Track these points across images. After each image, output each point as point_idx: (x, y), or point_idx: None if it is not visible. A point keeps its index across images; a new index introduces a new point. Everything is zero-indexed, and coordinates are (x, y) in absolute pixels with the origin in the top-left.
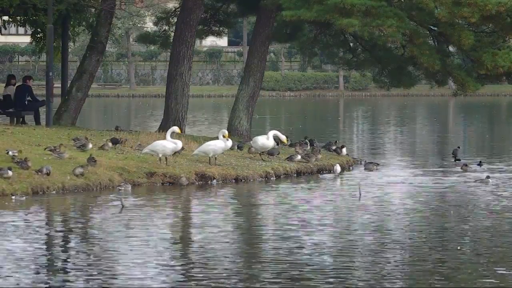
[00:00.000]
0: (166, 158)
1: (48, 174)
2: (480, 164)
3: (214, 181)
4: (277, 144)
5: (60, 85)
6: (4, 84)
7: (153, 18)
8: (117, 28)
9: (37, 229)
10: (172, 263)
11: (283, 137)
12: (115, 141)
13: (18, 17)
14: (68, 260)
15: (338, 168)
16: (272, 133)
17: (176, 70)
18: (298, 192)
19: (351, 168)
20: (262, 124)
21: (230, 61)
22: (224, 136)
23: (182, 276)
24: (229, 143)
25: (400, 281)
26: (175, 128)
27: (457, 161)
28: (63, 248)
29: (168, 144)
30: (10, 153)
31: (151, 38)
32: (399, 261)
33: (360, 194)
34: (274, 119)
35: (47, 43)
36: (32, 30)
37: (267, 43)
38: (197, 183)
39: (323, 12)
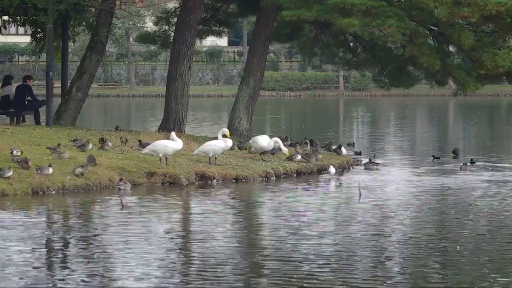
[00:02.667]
0: (166, 158)
1: (48, 174)
2: (472, 162)
3: (214, 181)
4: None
5: (60, 85)
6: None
7: (153, 18)
8: (117, 28)
9: (36, 229)
10: (172, 263)
11: (284, 149)
12: (103, 140)
13: (18, 17)
14: (67, 260)
15: (332, 169)
16: (274, 140)
17: (176, 70)
18: (298, 192)
19: (351, 168)
20: (263, 124)
21: (230, 61)
22: (225, 135)
23: (182, 276)
24: (229, 143)
25: (400, 280)
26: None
27: (435, 160)
28: (62, 248)
29: (169, 143)
30: (15, 152)
31: (151, 38)
32: (399, 261)
33: (360, 194)
34: (275, 120)
35: (47, 43)
36: (32, 30)
37: (267, 43)
38: (197, 183)
39: (323, 12)
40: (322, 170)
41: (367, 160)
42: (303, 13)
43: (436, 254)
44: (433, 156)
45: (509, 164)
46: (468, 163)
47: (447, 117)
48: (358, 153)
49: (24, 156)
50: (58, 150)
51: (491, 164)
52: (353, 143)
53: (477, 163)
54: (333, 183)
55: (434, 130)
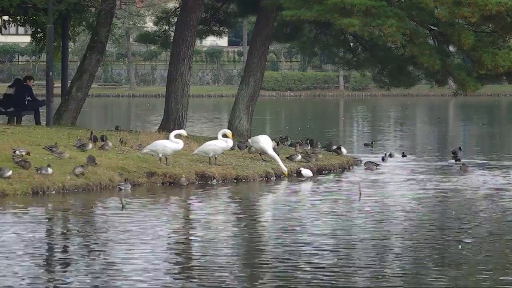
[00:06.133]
0: (166, 158)
1: (48, 173)
2: (458, 159)
3: (214, 181)
4: (277, 145)
5: (60, 85)
6: (5, 84)
7: (153, 18)
8: (117, 28)
9: (36, 228)
10: (172, 263)
11: (284, 169)
12: (95, 139)
13: (18, 17)
14: (67, 260)
15: (307, 172)
16: (274, 156)
17: (176, 70)
18: (298, 192)
19: (351, 168)
20: (263, 124)
21: (230, 61)
22: (225, 135)
23: (182, 276)
24: (230, 143)
25: (400, 280)
26: (182, 132)
27: (404, 156)
28: (62, 248)
29: (169, 143)
30: (17, 152)
31: (151, 38)
32: (399, 261)
33: (360, 194)
34: (275, 120)
35: (47, 43)
36: (32, 30)
37: (267, 43)
38: (197, 183)
39: (323, 12)
40: (322, 170)
41: (384, 157)
42: (303, 13)
43: (437, 253)
44: (403, 153)
45: (510, 163)
46: (453, 160)
47: (448, 117)
48: (390, 155)
49: (26, 157)
50: (55, 149)
51: (489, 163)
52: (371, 143)
53: (477, 163)
54: (334, 182)
55: (435, 130)
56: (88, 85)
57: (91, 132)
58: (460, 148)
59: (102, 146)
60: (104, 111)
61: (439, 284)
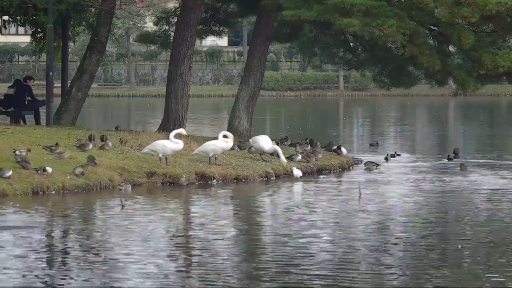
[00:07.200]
0: (166, 158)
1: (47, 172)
2: (449, 159)
3: (214, 181)
4: (277, 145)
5: (60, 85)
6: (5, 84)
7: (153, 18)
8: (117, 28)
9: (36, 228)
10: (172, 263)
11: (283, 160)
12: (93, 138)
13: (18, 17)
14: (68, 260)
15: (297, 172)
16: (274, 147)
17: (176, 70)
18: (298, 192)
19: (351, 168)
20: (263, 124)
21: (230, 61)
22: (225, 136)
23: (182, 276)
24: (230, 143)
25: (401, 281)
26: (182, 131)
27: (398, 156)
28: (62, 248)
29: (169, 143)
30: (18, 152)
31: (151, 38)
32: (399, 261)
33: (360, 194)
34: (276, 120)
35: (47, 43)
36: (32, 30)
37: (267, 43)
38: (197, 183)
39: (323, 12)
40: (322, 170)
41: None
42: (303, 13)
43: (437, 253)
44: (395, 152)
45: (510, 162)
46: (446, 160)
47: (448, 117)
48: (392, 156)
49: (28, 154)
50: (55, 149)
51: (488, 163)
52: (377, 143)
53: (477, 163)
54: (334, 182)
55: (436, 130)
56: (88, 85)
57: (91, 134)
58: (456, 148)
59: (102, 146)
60: (104, 111)
61: (439, 284)
